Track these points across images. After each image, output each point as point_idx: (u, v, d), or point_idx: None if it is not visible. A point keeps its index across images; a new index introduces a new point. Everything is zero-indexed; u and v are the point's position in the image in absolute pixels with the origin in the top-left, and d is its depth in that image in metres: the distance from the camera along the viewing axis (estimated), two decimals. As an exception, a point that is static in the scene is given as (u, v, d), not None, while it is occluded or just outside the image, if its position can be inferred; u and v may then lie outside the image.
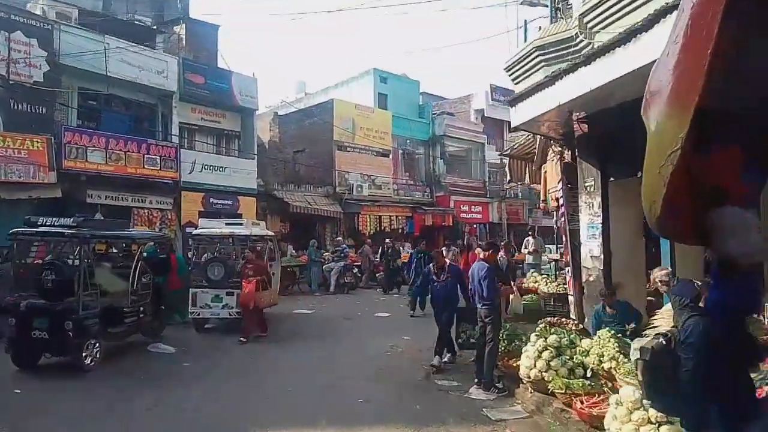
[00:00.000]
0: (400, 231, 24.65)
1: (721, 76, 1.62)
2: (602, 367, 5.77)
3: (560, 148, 8.95)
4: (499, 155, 12.62)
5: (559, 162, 8.58)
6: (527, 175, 13.64)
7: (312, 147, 24.55)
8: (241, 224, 9.81)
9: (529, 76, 7.59)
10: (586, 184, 7.67)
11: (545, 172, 10.48)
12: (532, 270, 12.62)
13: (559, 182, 8.55)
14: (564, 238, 8.56)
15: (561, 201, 8.46)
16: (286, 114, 27.01)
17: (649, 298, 7.19)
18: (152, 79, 17.15)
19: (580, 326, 7.80)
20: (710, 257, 2.36)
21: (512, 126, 8.02)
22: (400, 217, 24.85)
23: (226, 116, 20.14)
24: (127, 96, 17.44)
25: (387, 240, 18.90)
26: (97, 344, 7.30)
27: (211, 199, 18.62)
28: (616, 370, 5.49)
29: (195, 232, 10.39)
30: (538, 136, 11.56)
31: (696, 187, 1.86)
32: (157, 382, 7.07)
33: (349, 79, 28.91)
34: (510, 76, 8.05)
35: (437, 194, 27.47)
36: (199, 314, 9.89)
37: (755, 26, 1.63)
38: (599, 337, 6.09)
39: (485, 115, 31.36)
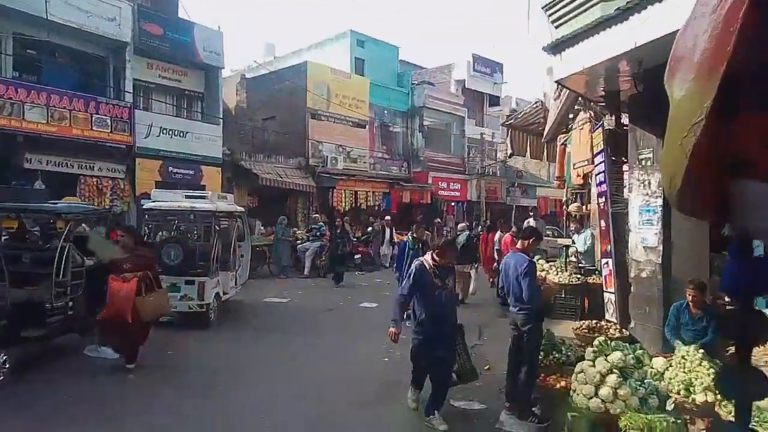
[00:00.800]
0: (376, 208, 23.04)
1: (752, 40, 1.51)
2: (693, 400, 4.34)
3: (597, 113, 7.43)
4: (502, 124, 11.02)
5: (598, 130, 7.04)
6: (529, 148, 12.18)
7: (283, 114, 22.54)
8: (204, 197, 7.94)
9: (578, 15, 5.98)
10: (642, 157, 6.17)
11: (563, 144, 8.98)
12: (536, 257, 11.23)
13: (597, 154, 7.03)
14: (603, 223, 7.08)
15: (600, 178, 6.95)
16: (255, 77, 24.83)
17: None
18: (102, 27, 14.88)
19: (624, 332, 6.47)
20: (729, 233, 2.14)
21: (556, 78, 6.41)
22: (376, 193, 23.21)
23: (188, 74, 17.95)
24: (72, 46, 15.14)
25: (337, 220, 17.17)
26: (4, 355, 5.46)
27: (171, 168, 16.58)
28: (720, 407, 4.07)
29: (147, 205, 8.47)
30: (547, 106, 10.08)
31: (719, 160, 1.74)
32: (88, 405, 5.33)
33: (323, 41, 26.79)
34: (551, 15, 6.41)
35: (415, 170, 25.91)
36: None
37: None
38: (683, 357, 4.66)
39: (466, 86, 29.81)
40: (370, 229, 17.95)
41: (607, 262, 6.92)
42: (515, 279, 5.40)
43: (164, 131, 16.35)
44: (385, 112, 25.63)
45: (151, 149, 16.06)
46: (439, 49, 70.82)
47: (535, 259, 10.58)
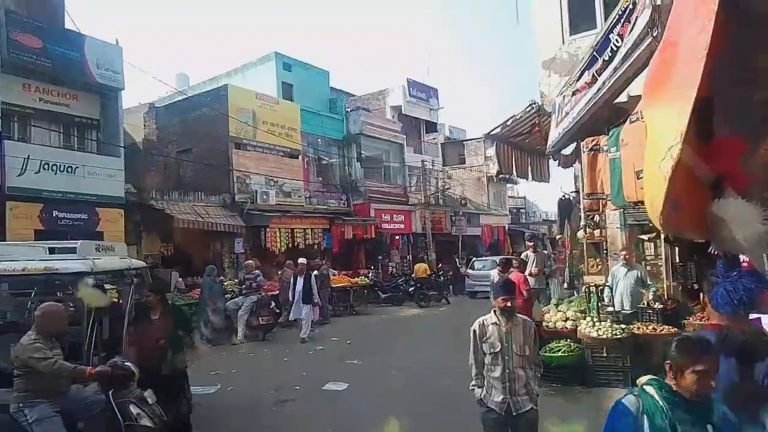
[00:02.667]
0: (316, 247, 20.15)
1: (720, 67, 1.62)
2: None
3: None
4: (485, 136, 8.65)
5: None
6: (515, 163, 9.97)
7: (201, 146, 19.44)
8: (72, 250, 4.90)
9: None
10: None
11: (594, 151, 6.70)
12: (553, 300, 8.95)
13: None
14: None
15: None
16: (166, 106, 21.61)
17: None
18: (-47, 36, 11.43)
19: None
20: (716, 251, 2.23)
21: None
22: (315, 230, 20.35)
23: (79, 98, 14.59)
24: None
25: (249, 262, 13.72)
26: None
27: (55, 213, 13.08)
28: None
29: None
30: (546, 108, 7.93)
31: (697, 180, 1.87)
32: None
33: (245, 65, 24.01)
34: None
35: (355, 202, 23.39)
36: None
37: (748, 17, 1.69)
38: None
39: (402, 112, 27.91)
40: (316, 272, 15.03)
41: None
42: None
43: (46, 166, 12.86)
44: (319, 140, 23.04)
45: (28, 189, 12.53)
46: (367, 78, 69.52)
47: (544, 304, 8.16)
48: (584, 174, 6.90)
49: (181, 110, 20.50)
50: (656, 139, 1.78)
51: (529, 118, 8.76)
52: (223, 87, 19.68)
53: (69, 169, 13.46)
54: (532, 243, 10.57)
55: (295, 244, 19.04)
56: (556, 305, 7.86)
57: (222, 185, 18.76)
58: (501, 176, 9.75)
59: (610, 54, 5.76)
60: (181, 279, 15.56)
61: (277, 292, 13.55)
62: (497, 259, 21.11)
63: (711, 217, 1.90)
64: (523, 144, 10.07)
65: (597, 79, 6.05)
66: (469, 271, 20.34)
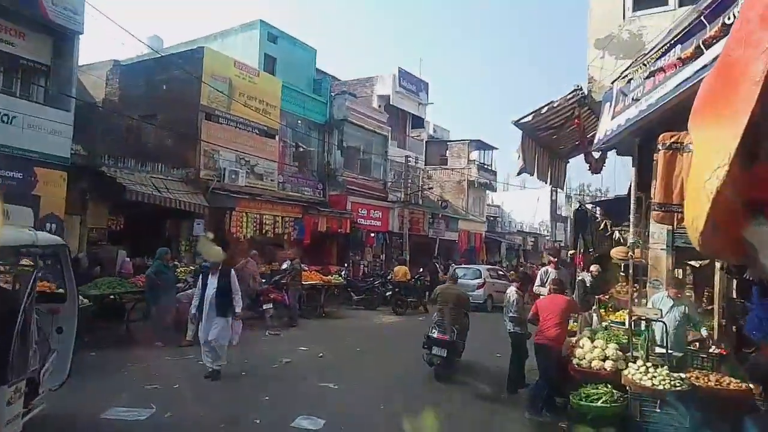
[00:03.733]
0: (286, 236, 18.33)
1: None
2: None
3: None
4: (514, 122, 7.04)
5: None
6: (537, 163, 8.46)
7: (168, 112, 17.32)
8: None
9: None
10: None
11: (672, 150, 5.18)
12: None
13: None
14: None
15: None
16: (133, 64, 19.38)
17: None
18: None
19: None
20: (751, 276, 2.40)
21: None
22: (287, 219, 18.52)
23: (26, 37, 12.41)
24: None
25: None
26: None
27: (-19, 168, 10.95)
28: None
29: None
30: (594, 95, 6.49)
31: (740, 204, 1.83)
32: None
33: (225, 31, 21.97)
34: None
35: (331, 193, 21.66)
36: None
37: None
38: None
39: (390, 103, 26.29)
40: (286, 265, 13.26)
41: None
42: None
43: (-26, 111, 10.75)
44: (299, 122, 21.21)
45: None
46: (354, 65, 67.16)
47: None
48: (658, 178, 5.38)
49: (149, 71, 18.34)
50: (703, 158, 1.76)
51: (568, 107, 7.25)
52: (198, 49, 17.66)
53: (5, 118, 11.36)
54: (554, 258, 9.00)
55: (263, 231, 17.20)
56: (590, 338, 6.35)
57: (187, 158, 16.78)
58: (523, 172, 8.17)
59: (730, 18, 4.25)
60: (128, 259, 13.57)
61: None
62: (482, 268, 19.85)
63: (747, 243, 1.90)
64: (549, 140, 8.57)
65: (704, 52, 4.54)
66: (450, 278, 18.84)
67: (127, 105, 18.60)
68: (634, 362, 5.76)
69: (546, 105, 7.30)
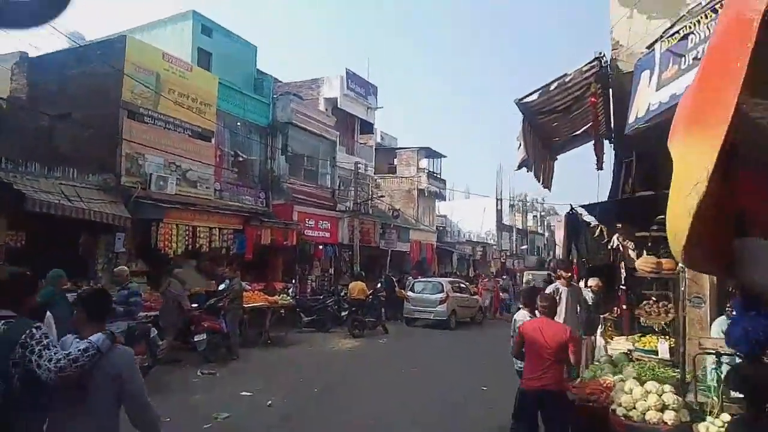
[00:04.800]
0: (224, 251, 16.16)
1: (753, 106, 1.72)
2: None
3: None
4: (516, 101, 5.49)
5: None
6: (536, 158, 7.00)
7: (85, 110, 14.85)
8: None
9: None
10: None
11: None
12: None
13: None
14: None
15: None
16: (43, 56, 16.75)
17: None
18: None
19: None
20: (734, 289, 2.47)
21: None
22: (225, 231, 16.35)
23: None
24: None
25: (120, 268, 9.56)
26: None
27: None
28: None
29: None
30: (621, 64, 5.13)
31: (721, 218, 1.88)
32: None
33: (153, 23, 19.67)
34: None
35: (275, 202, 19.66)
36: None
37: None
38: None
39: (338, 106, 24.59)
40: (224, 285, 11.23)
41: None
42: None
43: None
44: (239, 124, 19.14)
45: None
46: (298, 65, 64.67)
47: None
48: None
49: (62, 64, 15.84)
50: (683, 173, 1.78)
51: (582, 82, 5.80)
52: (119, 38, 15.38)
53: None
54: (566, 273, 7.34)
55: (197, 245, 14.99)
56: (639, 379, 4.81)
57: (106, 163, 14.43)
58: (524, 165, 6.64)
59: None
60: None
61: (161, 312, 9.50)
62: (443, 281, 18.23)
63: (731, 256, 1.92)
64: (548, 129, 7.12)
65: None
66: (410, 293, 17.23)
67: (37, 102, 16.01)
68: (703, 413, 4.27)
69: (556, 80, 5.83)
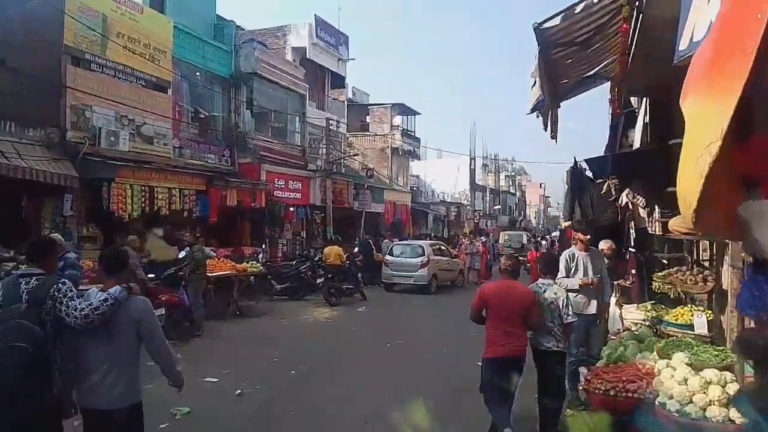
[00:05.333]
0: (186, 214, 14.86)
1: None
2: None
3: None
4: (535, 25, 4.38)
5: None
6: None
7: (22, 57, 13.04)
8: None
9: None
10: None
11: None
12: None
13: None
14: None
15: None
16: (-31, -5, 14.70)
17: None
18: None
19: None
20: (744, 252, 2.26)
21: None
22: (186, 192, 15.00)
23: None
24: None
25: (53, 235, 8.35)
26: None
27: None
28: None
29: None
30: None
31: (733, 179, 1.82)
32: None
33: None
34: None
35: (241, 161, 18.23)
36: None
37: None
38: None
39: (307, 56, 22.98)
40: (184, 252, 10.05)
41: None
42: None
43: None
44: (198, 74, 17.54)
45: None
46: (261, 11, 61.01)
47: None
48: None
49: (-7, 4, 13.91)
50: (695, 133, 1.72)
51: (612, 5, 4.74)
52: (59, -27, 13.47)
53: None
54: (584, 236, 6.36)
55: (155, 208, 13.65)
56: (690, 364, 3.95)
57: (48, 116, 12.84)
58: (538, 109, 5.60)
59: None
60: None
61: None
62: (424, 245, 17.18)
63: (740, 219, 1.89)
64: (561, 66, 6.06)
65: None
66: (388, 257, 16.29)
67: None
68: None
69: (582, 0, 4.74)
